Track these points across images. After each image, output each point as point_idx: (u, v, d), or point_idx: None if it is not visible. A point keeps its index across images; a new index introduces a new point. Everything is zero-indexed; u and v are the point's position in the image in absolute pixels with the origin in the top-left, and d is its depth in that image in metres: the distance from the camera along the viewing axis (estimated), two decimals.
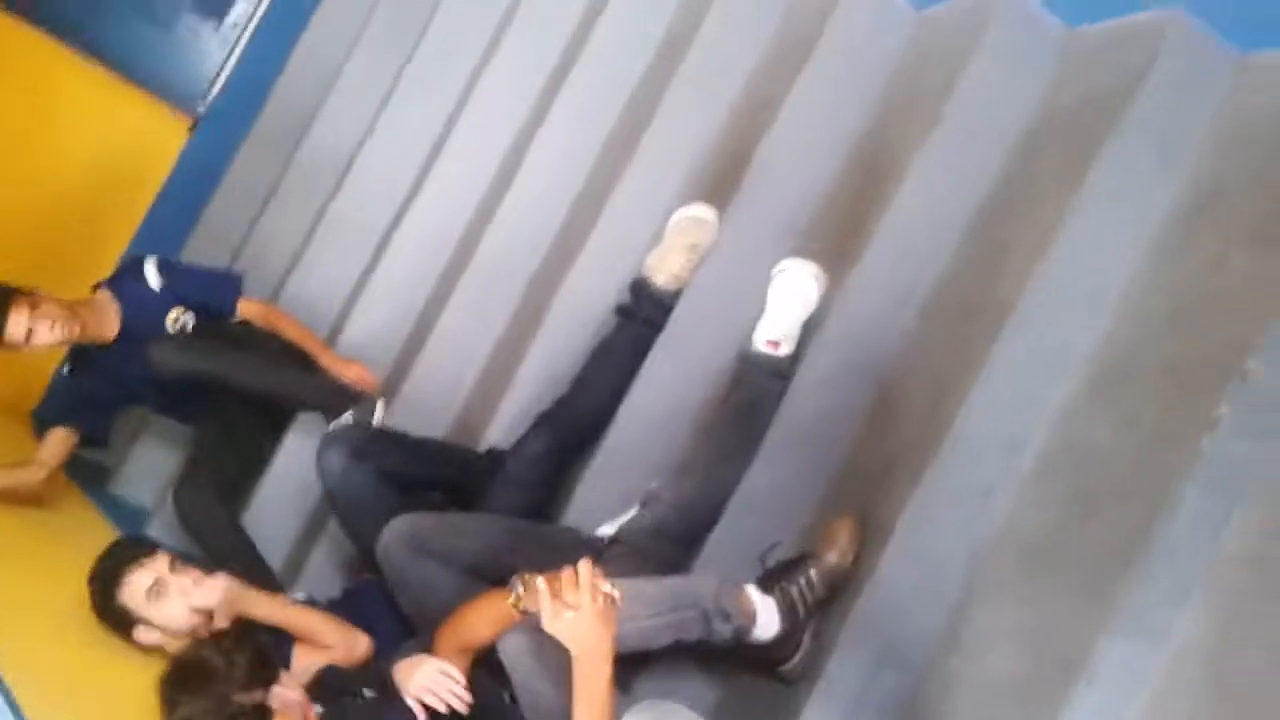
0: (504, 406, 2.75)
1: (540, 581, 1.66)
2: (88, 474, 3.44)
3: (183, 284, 3.11)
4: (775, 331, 2.30)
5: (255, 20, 4.18)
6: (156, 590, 2.21)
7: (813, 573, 2.00)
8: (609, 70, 3.04)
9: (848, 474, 2.21)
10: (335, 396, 2.86)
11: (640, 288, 2.59)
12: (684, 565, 2.24)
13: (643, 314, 2.57)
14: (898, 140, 2.39)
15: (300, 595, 2.52)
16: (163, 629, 2.22)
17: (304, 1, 4.10)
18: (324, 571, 2.83)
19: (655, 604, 1.93)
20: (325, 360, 3.05)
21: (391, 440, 2.60)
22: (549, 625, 1.63)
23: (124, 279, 3.11)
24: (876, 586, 1.96)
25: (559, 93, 3.08)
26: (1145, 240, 1.97)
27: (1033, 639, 1.78)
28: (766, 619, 1.97)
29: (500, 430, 2.73)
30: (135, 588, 2.21)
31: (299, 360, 3.05)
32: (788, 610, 1.98)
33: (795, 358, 2.31)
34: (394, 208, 3.43)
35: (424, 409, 2.94)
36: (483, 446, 2.73)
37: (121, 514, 3.31)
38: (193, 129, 4.09)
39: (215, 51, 4.18)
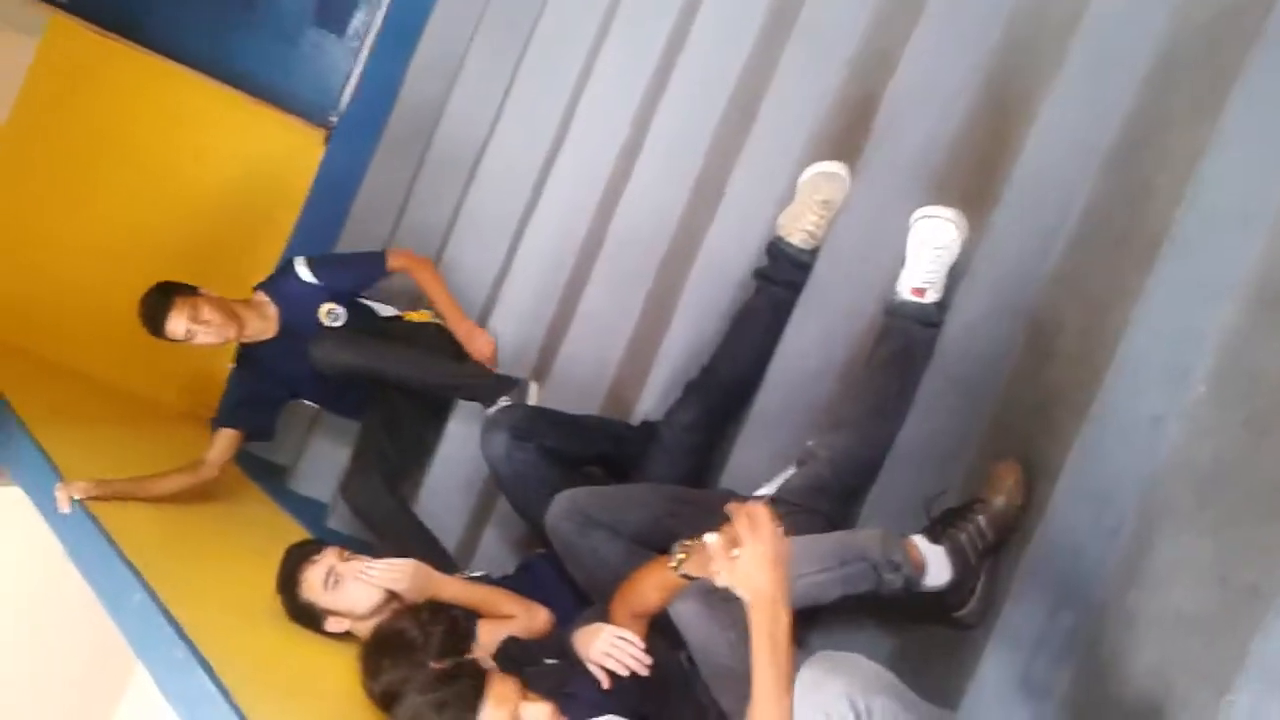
0: (653, 378, 2.81)
1: (710, 537, 1.60)
2: (268, 475, 3.63)
3: (333, 272, 3.29)
4: (919, 279, 2.28)
5: (375, 27, 4.31)
6: (333, 580, 2.34)
7: (981, 519, 2.00)
8: (723, 38, 3.05)
9: (1008, 415, 2.19)
10: (490, 385, 2.96)
11: (776, 249, 2.60)
12: (846, 521, 2.25)
13: (781, 275, 2.58)
14: (1027, 76, 2.35)
15: (477, 573, 2.62)
16: (348, 614, 2.35)
17: (420, 4, 4.20)
18: (497, 550, 2.95)
19: (822, 560, 1.96)
20: (457, 324, 3.23)
21: (549, 419, 2.67)
22: (723, 578, 1.58)
23: (278, 279, 3.31)
24: (1048, 526, 1.94)
25: (675, 66, 3.11)
26: None
27: (1216, 568, 1.74)
28: (937, 568, 1.98)
29: (651, 401, 2.79)
30: (313, 582, 2.35)
31: (453, 352, 3.16)
32: (958, 557, 1.98)
33: (942, 304, 2.29)
34: (526, 195, 3.51)
35: (575, 387, 3.02)
36: (636, 419, 2.79)
37: (303, 510, 3.48)
38: (328, 139, 4.24)
39: (341, 62, 4.33)
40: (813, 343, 2.51)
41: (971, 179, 2.39)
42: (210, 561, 2.80)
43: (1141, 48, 2.18)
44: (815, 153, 2.67)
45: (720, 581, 1.60)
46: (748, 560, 1.55)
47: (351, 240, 4.08)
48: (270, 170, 4.15)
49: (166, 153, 4.05)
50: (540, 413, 2.75)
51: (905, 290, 2.31)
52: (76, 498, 2.76)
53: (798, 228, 2.56)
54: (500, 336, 3.27)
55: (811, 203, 2.55)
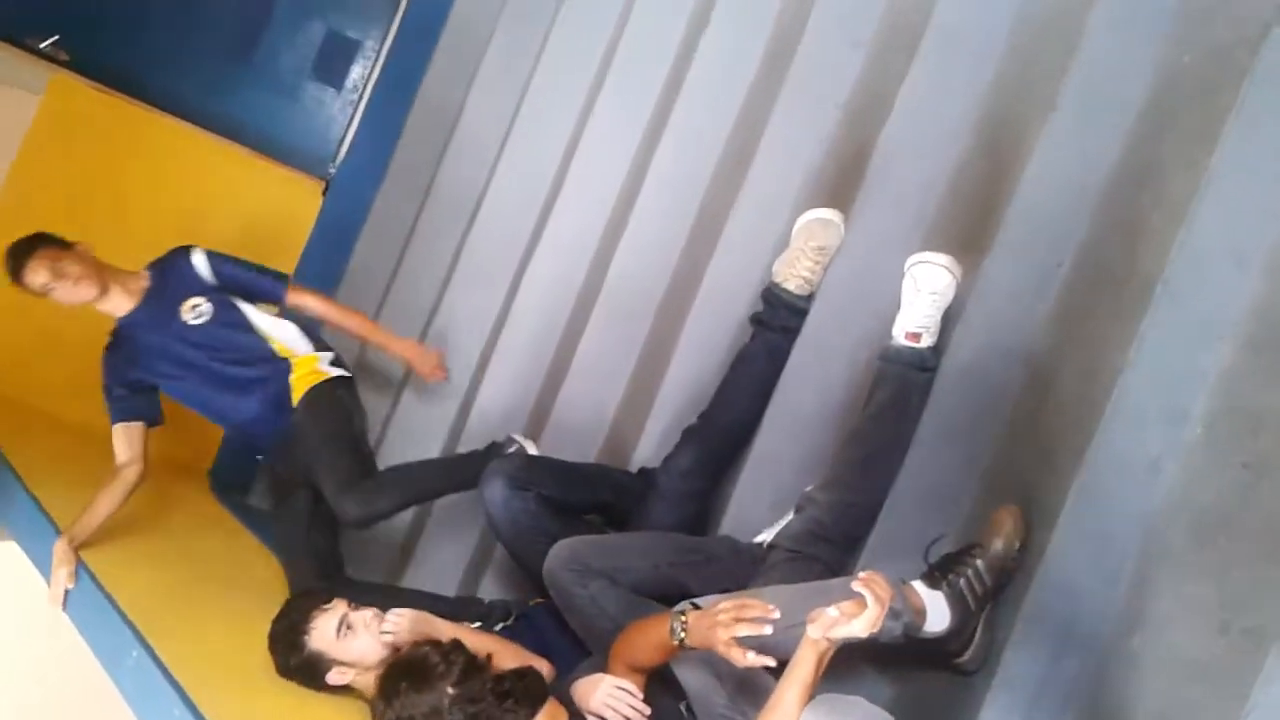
0: (650, 425, 2.80)
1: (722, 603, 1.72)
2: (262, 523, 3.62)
3: (228, 272, 3.15)
4: (914, 324, 2.28)
5: (373, 80, 4.36)
6: (346, 627, 2.31)
7: (980, 563, 1.98)
8: (717, 86, 3.07)
9: (1005, 459, 2.18)
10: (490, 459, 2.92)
11: (772, 295, 2.60)
12: (845, 567, 2.24)
13: (777, 321, 2.59)
14: (1018, 121, 2.37)
15: (475, 624, 2.60)
16: (356, 665, 2.32)
17: (416, 57, 4.26)
18: (495, 598, 2.92)
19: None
20: (379, 340, 3.25)
21: (547, 468, 2.66)
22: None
23: (170, 257, 3.18)
24: (1048, 570, 1.93)
25: (670, 114, 3.14)
26: None
27: (1218, 612, 1.73)
28: (936, 614, 1.96)
29: (649, 448, 2.78)
30: (325, 630, 2.32)
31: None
32: (957, 603, 1.97)
33: (938, 348, 2.30)
34: (524, 242, 3.53)
35: (573, 433, 3.02)
36: (633, 466, 2.79)
37: None
38: (326, 191, 4.27)
39: (339, 114, 4.37)
40: (810, 388, 2.51)
41: (965, 223, 2.40)
42: (210, 618, 2.77)
43: (1133, 89, 2.20)
44: (810, 198, 2.69)
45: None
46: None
47: (347, 295, 4.09)
48: (268, 222, 4.18)
49: (165, 206, 4.08)
50: (538, 461, 2.75)
51: (900, 335, 2.31)
52: (69, 586, 2.74)
53: (793, 274, 2.57)
54: (497, 385, 3.27)
55: (806, 249, 2.56)
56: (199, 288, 3.11)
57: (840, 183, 2.65)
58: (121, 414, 3.07)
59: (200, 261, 3.12)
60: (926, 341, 2.29)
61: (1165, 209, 2.01)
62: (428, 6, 4.28)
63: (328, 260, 4.21)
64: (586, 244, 3.33)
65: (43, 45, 4.11)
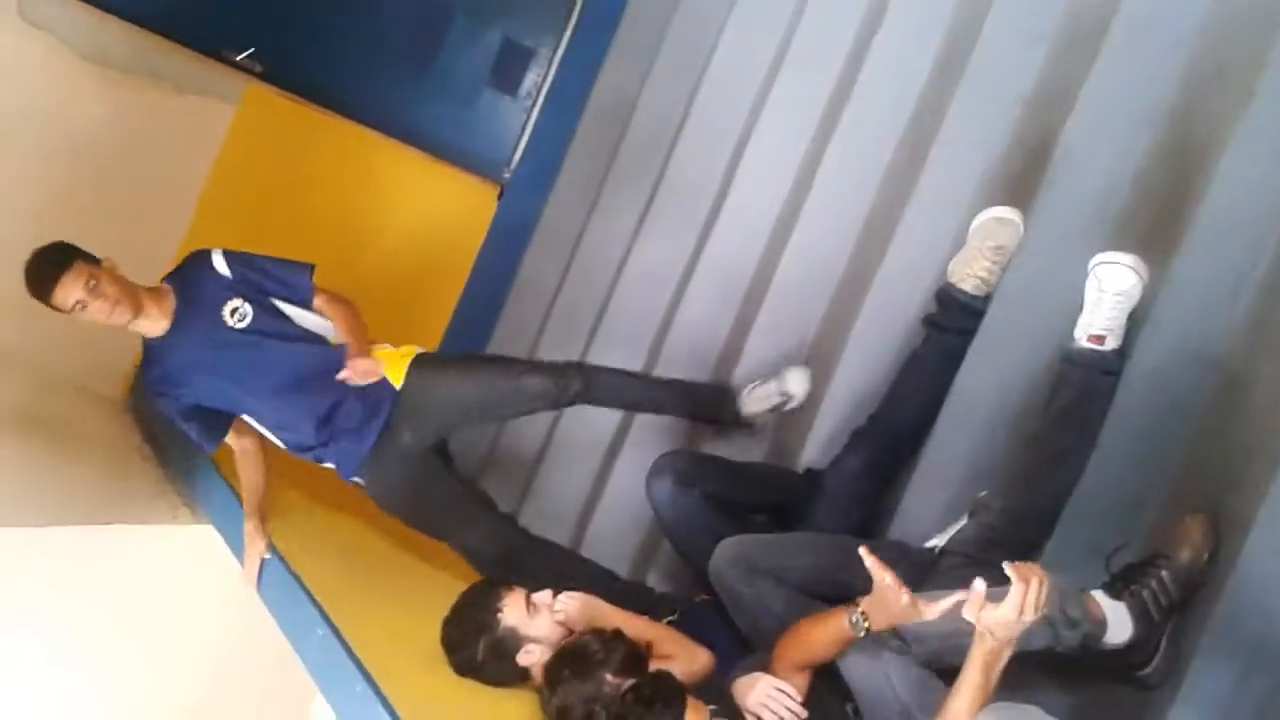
0: (818, 425, 2.79)
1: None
2: None
3: (254, 272, 2.90)
4: (1099, 326, 2.21)
5: (546, 86, 4.46)
6: (533, 607, 2.37)
7: (1165, 574, 1.91)
8: (891, 83, 3.03)
9: (1194, 467, 2.09)
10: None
11: (947, 296, 2.56)
12: None
13: (952, 323, 2.54)
14: (1210, 116, 2.27)
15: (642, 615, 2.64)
16: (541, 642, 2.36)
17: (589, 62, 4.34)
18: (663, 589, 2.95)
19: None
20: (355, 350, 2.83)
21: (715, 465, 2.68)
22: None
23: (186, 267, 2.93)
24: (1239, 584, 1.85)
25: (842, 112, 3.11)
26: None
27: None
28: (1118, 625, 1.90)
29: (816, 449, 2.77)
30: (516, 606, 2.37)
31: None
32: (1140, 615, 1.90)
33: (1122, 352, 2.22)
34: (692, 243, 3.54)
35: (740, 435, 3.02)
36: (800, 467, 2.78)
37: None
38: (501, 195, 4.40)
39: (514, 120, 4.49)
40: (985, 391, 2.46)
41: (1153, 221, 2.31)
42: (393, 605, 2.88)
43: None
44: (988, 196, 2.63)
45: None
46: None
47: (521, 295, 4.20)
48: (447, 225, 4.34)
49: (350, 210, 4.28)
50: (706, 459, 2.77)
51: (1083, 337, 2.24)
52: (265, 556, 2.85)
53: (969, 274, 2.52)
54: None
55: (984, 248, 2.50)
56: (231, 290, 2.85)
57: (1020, 180, 2.58)
58: (209, 435, 2.90)
59: (221, 263, 2.89)
60: (1111, 344, 2.21)
61: None
62: (601, 10, 4.36)
63: (501, 263, 4.34)
64: (755, 243, 3.32)
65: (239, 58, 4.35)
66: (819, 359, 2.94)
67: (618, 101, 4.15)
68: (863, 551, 1.89)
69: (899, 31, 3.04)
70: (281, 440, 2.90)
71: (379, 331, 3.02)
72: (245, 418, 2.91)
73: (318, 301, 2.93)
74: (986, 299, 2.49)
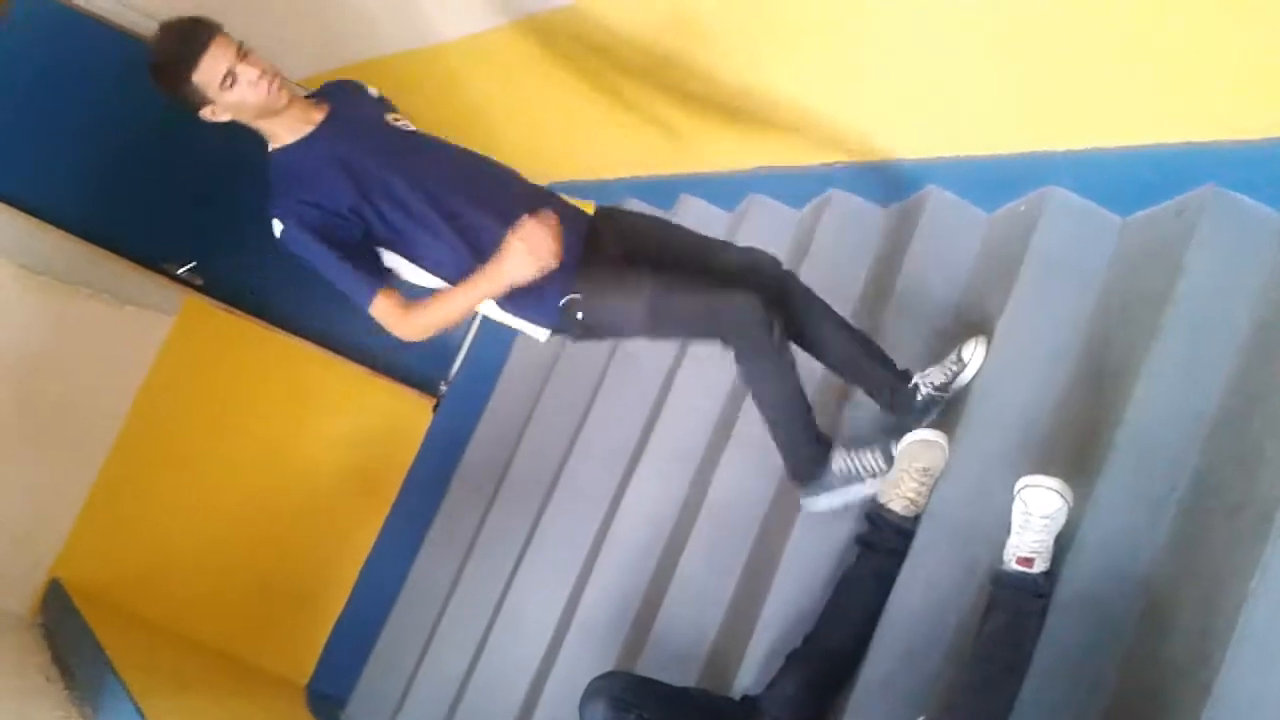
0: (751, 649, 2.74)
1: None
2: None
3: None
4: (1026, 549, 2.25)
5: None
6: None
7: None
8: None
9: (1127, 688, 2.08)
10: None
11: (877, 516, 2.59)
12: None
13: (884, 543, 2.56)
14: (1123, 346, 2.38)
15: None
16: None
17: None
18: None
19: None
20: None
21: (652, 691, 2.61)
22: None
23: (339, 82, 2.65)
24: None
25: None
26: None
27: None
28: None
29: (751, 674, 2.71)
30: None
31: None
32: None
33: (1051, 574, 2.24)
34: (625, 460, 3.57)
35: (672, 659, 2.97)
36: (735, 692, 2.72)
37: None
38: (436, 407, 4.43)
39: (454, 333, 4.56)
40: (919, 612, 2.46)
41: (1074, 446, 2.38)
42: None
43: (1240, 313, 2.22)
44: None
45: None
46: None
47: (457, 498, 4.16)
48: (381, 438, 4.34)
49: (285, 422, 4.27)
50: (642, 682, 2.69)
51: (1012, 560, 2.27)
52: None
53: (898, 495, 2.56)
54: (598, 599, 3.25)
55: (911, 470, 2.56)
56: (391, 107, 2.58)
57: (944, 409, 2.66)
58: (368, 280, 2.42)
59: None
60: (1039, 567, 2.24)
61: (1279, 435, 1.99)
62: None
63: (435, 472, 4.33)
64: (687, 463, 3.36)
65: (180, 271, 4.40)
66: (753, 580, 2.93)
67: None
68: None
69: None
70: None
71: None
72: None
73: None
74: (916, 520, 2.53)
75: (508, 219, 2.36)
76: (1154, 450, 2.23)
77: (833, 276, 3.04)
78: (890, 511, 2.56)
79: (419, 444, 4.36)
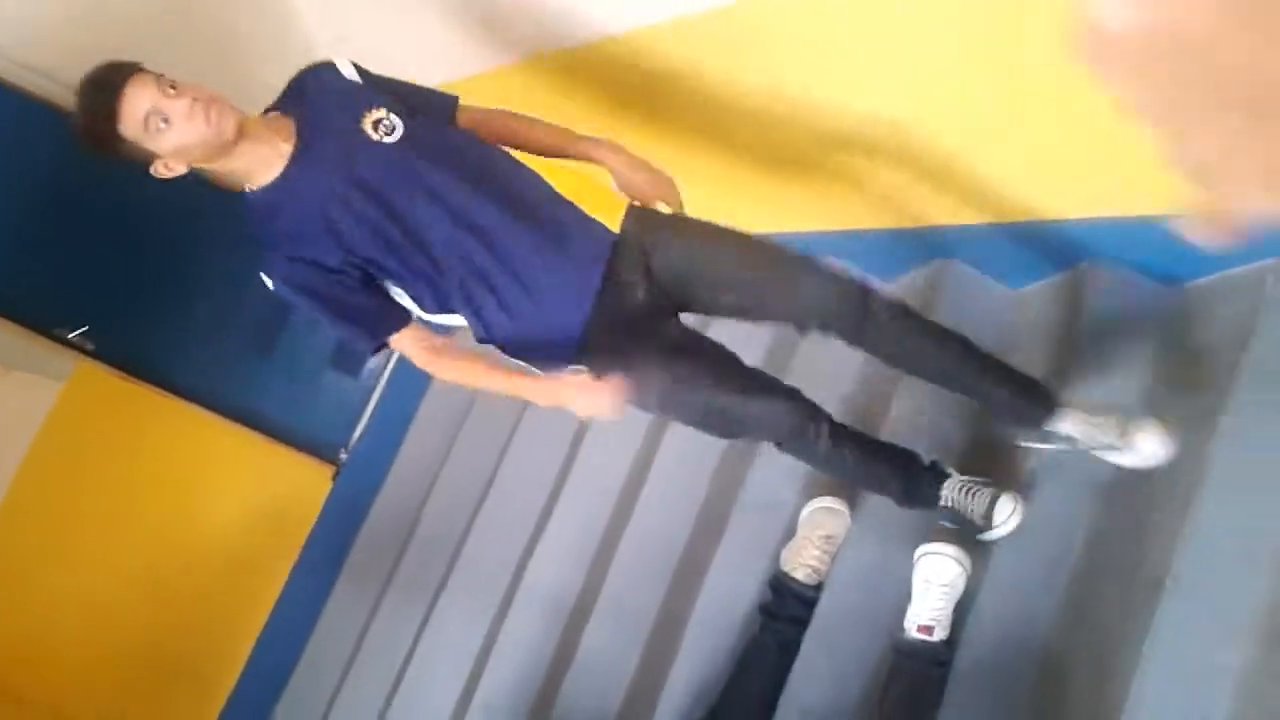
0: (657, 719, 2.71)
1: None
2: None
3: (389, 83, 2.26)
4: (926, 617, 2.26)
5: (390, 366, 4.50)
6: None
7: None
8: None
9: None
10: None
11: (780, 584, 2.58)
12: None
13: (786, 611, 2.55)
14: None
15: None
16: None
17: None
18: None
19: None
20: (591, 149, 2.26)
21: None
22: None
23: (305, 77, 2.23)
24: None
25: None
26: None
27: None
28: None
29: None
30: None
31: None
32: None
33: (951, 641, 2.25)
34: (526, 536, 3.52)
35: None
36: None
37: None
38: (336, 475, 4.33)
39: (355, 400, 4.48)
40: (823, 680, 2.44)
41: None
42: None
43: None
44: (815, 487, 2.71)
45: None
46: None
47: (353, 573, 4.06)
48: (278, 507, 4.23)
49: (178, 492, 4.14)
50: None
51: (912, 628, 2.28)
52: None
53: (800, 563, 2.56)
54: (501, 664, 3.18)
55: (813, 538, 2.56)
56: (372, 98, 2.17)
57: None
58: (374, 330, 2.18)
59: (347, 68, 2.23)
60: (939, 635, 2.25)
61: (1165, 506, 2.02)
62: None
63: (332, 544, 4.22)
64: (591, 533, 3.32)
65: (70, 335, 4.26)
66: (656, 650, 2.89)
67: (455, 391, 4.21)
68: None
69: None
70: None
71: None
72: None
73: (464, 118, 2.29)
74: (819, 587, 2.53)
75: (531, 257, 2.11)
76: (1048, 516, 2.25)
77: None
78: (793, 579, 2.55)
79: (316, 515, 4.25)
